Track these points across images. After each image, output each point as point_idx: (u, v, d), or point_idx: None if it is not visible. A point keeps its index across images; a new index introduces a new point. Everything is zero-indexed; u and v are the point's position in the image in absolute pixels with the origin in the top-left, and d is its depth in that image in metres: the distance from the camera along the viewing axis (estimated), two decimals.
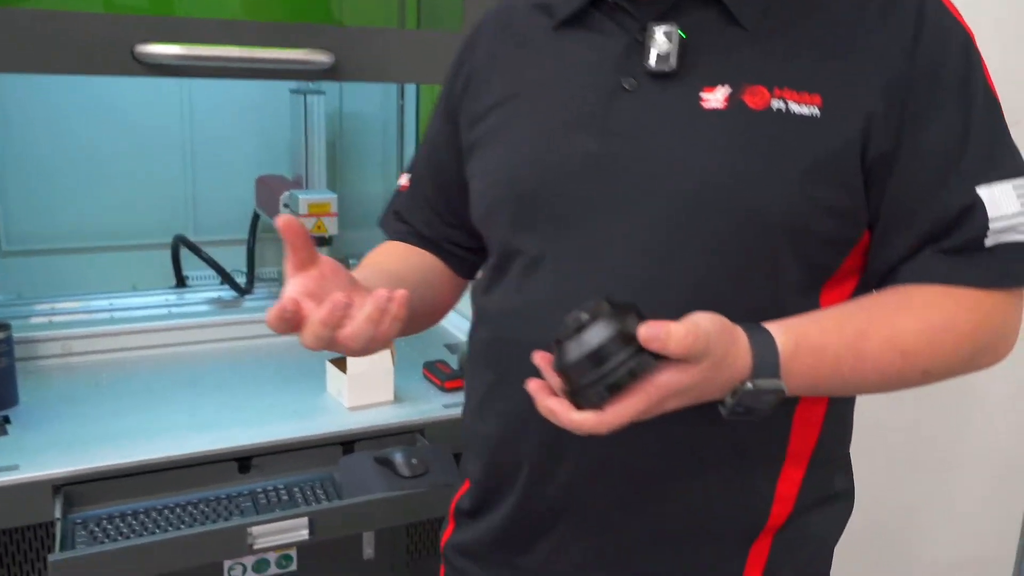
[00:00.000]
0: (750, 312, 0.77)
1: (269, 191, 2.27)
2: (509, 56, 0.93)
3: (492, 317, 0.93)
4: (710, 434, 0.82)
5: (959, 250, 0.79)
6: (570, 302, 0.72)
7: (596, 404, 0.68)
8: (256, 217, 2.36)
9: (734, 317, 0.74)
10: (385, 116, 2.58)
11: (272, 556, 1.49)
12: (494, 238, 0.92)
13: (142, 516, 1.39)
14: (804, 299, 0.82)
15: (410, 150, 2.55)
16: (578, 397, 0.69)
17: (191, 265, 2.30)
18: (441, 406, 1.72)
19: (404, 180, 1.10)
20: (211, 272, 2.26)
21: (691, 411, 0.74)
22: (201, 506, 1.41)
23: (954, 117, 0.79)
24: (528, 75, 0.90)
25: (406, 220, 1.07)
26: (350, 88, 2.50)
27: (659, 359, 0.68)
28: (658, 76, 0.81)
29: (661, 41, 0.80)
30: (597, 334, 0.67)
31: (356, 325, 0.76)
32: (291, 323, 0.77)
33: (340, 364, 1.71)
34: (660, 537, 0.87)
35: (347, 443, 1.61)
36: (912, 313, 0.79)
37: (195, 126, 2.34)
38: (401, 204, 1.09)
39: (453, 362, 1.89)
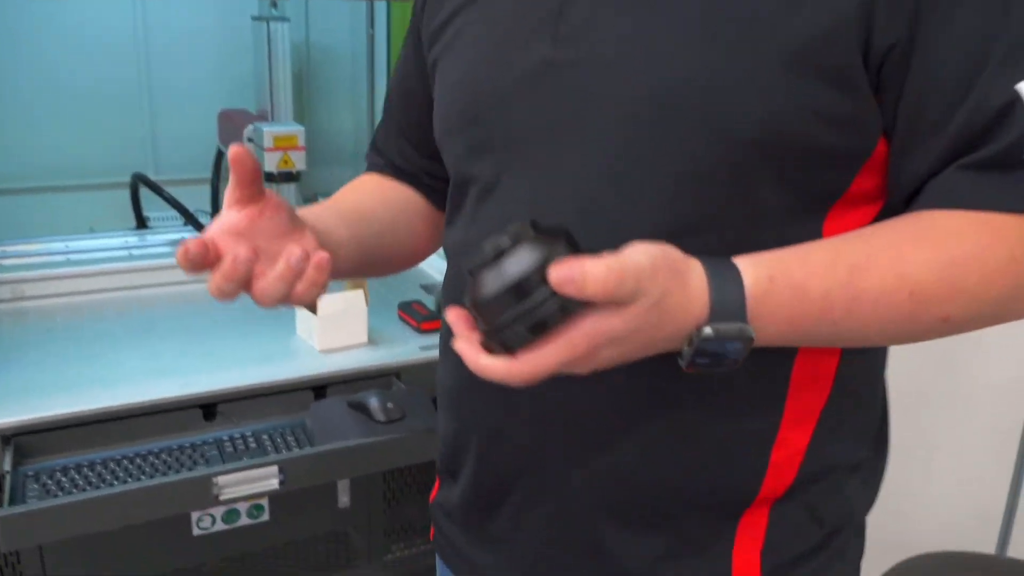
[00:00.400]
0: (730, 247, 0.63)
1: (232, 126, 2.14)
2: None
3: (450, 253, 0.83)
4: (677, 383, 0.67)
5: (993, 164, 0.62)
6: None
7: (514, 348, 0.56)
8: (220, 154, 2.23)
9: (715, 242, 0.64)
10: (354, 46, 2.45)
11: (243, 506, 1.41)
12: (450, 164, 0.81)
13: (99, 467, 1.30)
14: (801, 229, 0.66)
15: (381, 82, 2.42)
16: (494, 338, 0.56)
17: (152, 205, 2.18)
18: (418, 348, 1.63)
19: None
20: (174, 213, 2.14)
21: (654, 357, 0.61)
22: (163, 456, 1.32)
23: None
24: None
25: (382, 152, 0.98)
26: (317, 16, 2.37)
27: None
28: None
29: None
30: (518, 263, 0.54)
31: (267, 282, 0.67)
32: (196, 264, 0.66)
33: (311, 305, 1.61)
34: (628, 506, 0.73)
35: (319, 388, 1.53)
36: (928, 244, 0.62)
37: (152, 58, 2.20)
38: (378, 135, 0.99)
39: (430, 303, 1.80)
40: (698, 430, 0.71)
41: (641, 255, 0.56)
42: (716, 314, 0.59)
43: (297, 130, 1.93)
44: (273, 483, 1.29)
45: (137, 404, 1.38)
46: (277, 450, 1.36)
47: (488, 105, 0.73)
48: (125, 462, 1.30)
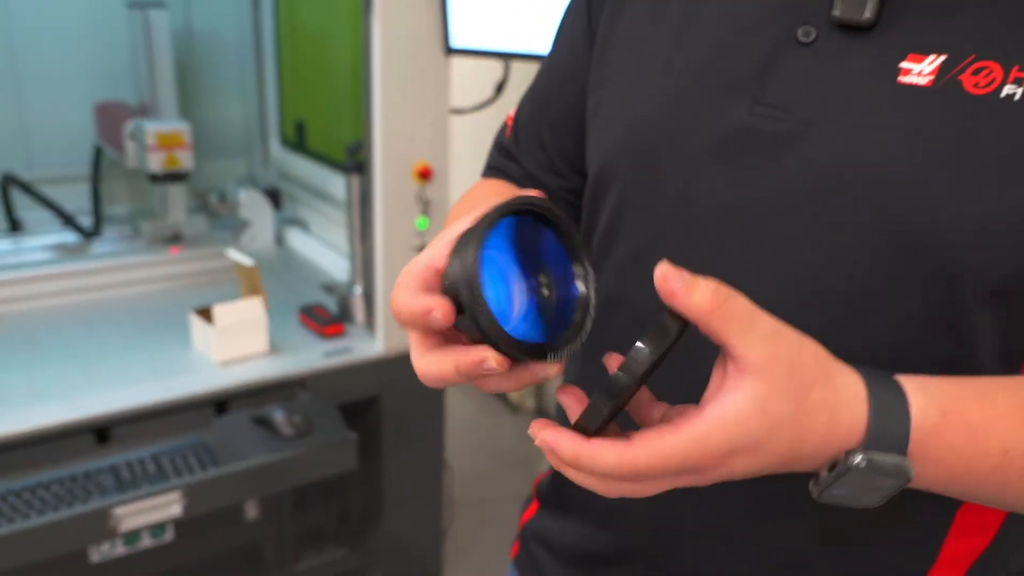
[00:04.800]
0: (907, 369, 0.53)
1: (111, 120, 2.01)
2: None
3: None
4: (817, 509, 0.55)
5: None
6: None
7: (595, 424, 0.48)
8: (99, 150, 2.09)
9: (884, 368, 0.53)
10: (239, 32, 2.33)
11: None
12: (604, 204, 0.70)
13: None
14: (1000, 371, 0.57)
15: (270, 68, 2.32)
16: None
17: (25, 206, 2.03)
18: (322, 354, 1.59)
19: (513, 113, 0.85)
20: (51, 215, 2.00)
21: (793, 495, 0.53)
22: (54, 488, 1.24)
23: None
24: (675, 11, 0.66)
25: (518, 159, 0.83)
26: (197, 1, 2.24)
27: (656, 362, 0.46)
28: (847, 28, 0.58)
29: None
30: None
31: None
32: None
33: (206, 315, 1.54)
34: None
35: (220, 403, 1.46)
36: None
37: (17, 46, 2.03)
38: (515, 138, 0.84)
39: (332, 304, 1.75)
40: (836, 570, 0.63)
41: (768, 314, 0.47)
42: (872, 440, 0.48)
43: (182, 128, 1.83)
44: (176, 509, 1.24)
45: (20, 433, 1.29)
46: (179, 473, 1.29)
47: (668, 161, 0.64)
48: (11, 498, 1.21)
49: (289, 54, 2.30)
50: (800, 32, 0.59)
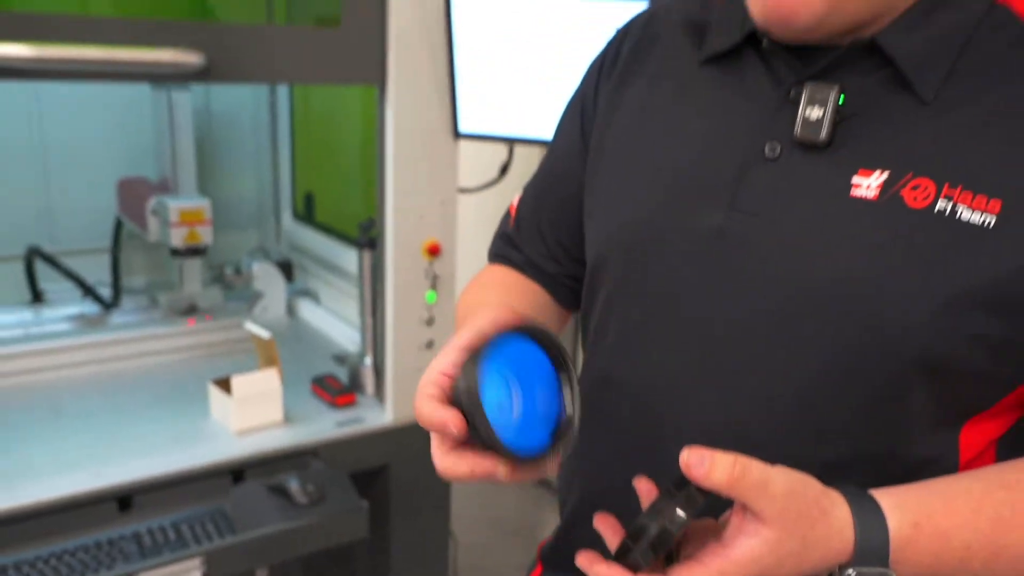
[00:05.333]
0: (866, 444, 0.65)
1: (133, 196, 2.11)
2: (647, 84, 0.79)
3: (591, 375, 0.80)
4: None
5: None
6: (664, 390, 0.62)
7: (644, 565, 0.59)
8: (119, 223, 2.18)
9: (847, 449, 0.64)
10: (256, 113, 2.44)
11: None
12: (597, 297, 0.80)
13: (11, 572, 1.25)
14: (936, 439, 0.67)
15: (284, 146, 2.42)
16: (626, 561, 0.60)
17: (48, 278, 2.11)
18: (334, 424, 1.64)
19: (516, 202, 0.94)
20: (71, 285, 2.08)
21: None
22: (80, 555, 1.29)
23: None
24: (664, 114, 0.77)
25: (520, 246, 0.91)
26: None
27: (692, 516, 0.57)
28: (806, 146, 0.67)
29: (814, 105, 0.66)
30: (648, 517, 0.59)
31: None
32: None
33: (224, 385, 1.60)
34: None
35: (237, 471, 1.52)
36: None
37: (46, 125, 2.14)
38: (518, 227, 0.92)
39: (343, 375, 1.82)
40: None
41: (779, 474, 0.57)
42: (860, 557, 0.58)
43: (203, 204, 1.92)
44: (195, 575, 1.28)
45: (45, 501, 1.34)
46: (198, 540, 1.34)
47: (656, 257, 0.73)
48: (40, 564, 1.26)
49: (302, 132, 2.41)
50: (767, 148, 0.69)
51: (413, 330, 1.65)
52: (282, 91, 2.39)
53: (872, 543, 0.59)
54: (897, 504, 0.60)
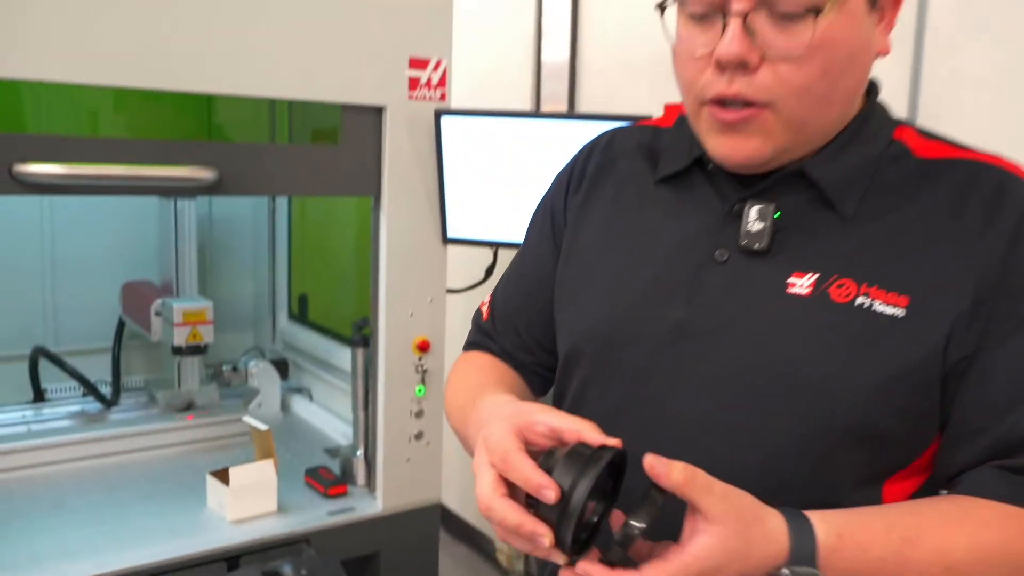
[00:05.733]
0: (809, 500, 0.74)
1: (137, 298, 2.22)
2: (609, 200, 0.92)
3: None
4: None
5: (1023, 471, 0.74)
6: (638, 464, 0.69)
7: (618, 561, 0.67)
8: (122, 324, 2.29)
9: (796, 503, 0.73)
10: (255, 220, 2.59)
11: None
12: (572, 381, 0.92)
13: None
14: (865, 492, 0.78)
15: (282, 253, 2.56)
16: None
17: (49, 377, 2.20)
18: (326, 513, 1.71)
19: (488, 300, 1.06)
20: (71, 384, 2.17)
21: None
22: None
23: None
24: (625, 228, 0.90)
25: (495, 338, 1.03)
26: None
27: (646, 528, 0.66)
28: (750, 252, 0.80)
29: (755, 219, 0.80)
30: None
31: None
32: None
33: (222, 476, 1.68)
34: None
35: (232, 559, 1.58)
36: (966, 528, 0.73)
37: (56, 233, 2.27)
38: (493, 321, 1.04)
39: (335, 467, 1.89)
40: None
41: (717, 480, 0.68)
42: (794, 558, 0.69)
43: (206, 306, 2.03)
44: None
45: None
46: None
47: (625, 348, 0.84)
48: None
49: (299, 238, 2.56)
50: (717, 253, 0.83)
51: (403, 422, 1.75)
52: (281, 199, 2.55)
53: (803, 548, 0.69)
54: (823, 519, 0.71)
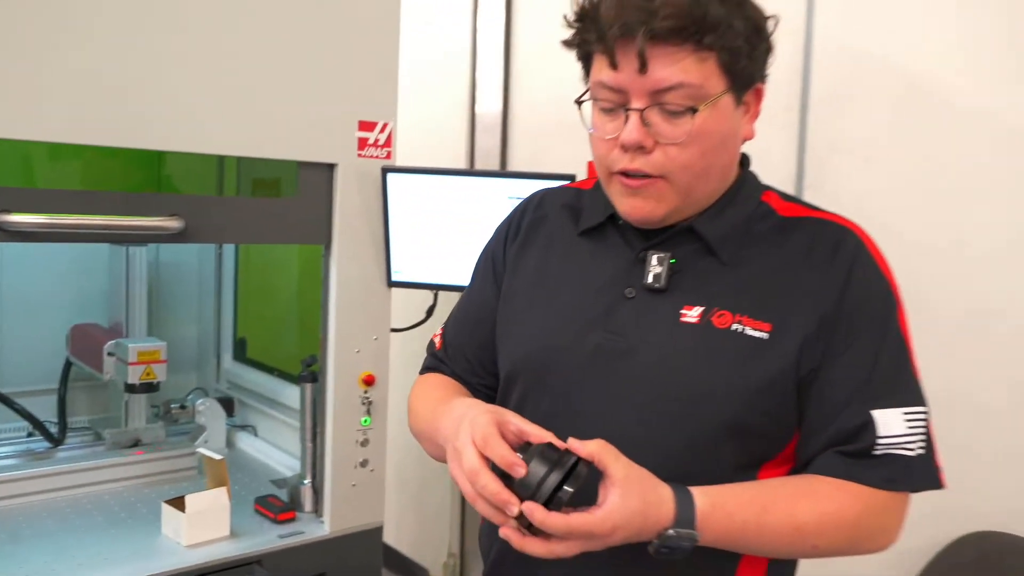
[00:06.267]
0: (700, 481, 0.92)
1: (87, 339, 2.32)
2: (541, 249, 1.14)
3: None
4: (662, 566, 0.94)
5: (854, 454, 0.96)
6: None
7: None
8: (68, 365, 2.37)
9: (687, 485, 0.92)
10: (201, 265, 2.71)
11: None
12: (511, 396, 1.11)
13: None
14: (742, 477, 0.98)
15: (228, 295, 2.68)
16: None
17: None
18: (276, 537, 1.84)
19: (439, 333, 1.26)
20: (16, 424, 2.24)
21: (643, 553, 0.90)
22: None
23: (866, 350, 0.97)
24: (554, 271, 1.10)
25: (446, 362, 1.23)
26: None
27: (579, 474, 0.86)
28: (651, 290, 1.02)
29: (655, 265, 1.02)
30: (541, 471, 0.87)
31: None
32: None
33: (177, 504, 1.79)
34: None
35: None
36: (811, 499, 0.95)
37: (4, 279, 2.34)
38: (446, 349, 1.24)
39: (283, 496, 2.02)
40: None
41: (623, 456, 0.89)
42: (677, 522, 0.89)
43: (160, 345, 2.15)
44: None
45: None
46: None
47: (553, 367, 1.05)
48: None
49: (244, 281, 2.69)
50: (626, 291, 1.05)
51: (350, 451, 1.90)
52: (228, 246, 2.68)
53: (685, 513, 0.90)
54: (701, 492, 0.92)
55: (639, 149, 0.96)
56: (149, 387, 2.15)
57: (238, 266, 2.67)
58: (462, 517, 2.99)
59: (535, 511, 0.85)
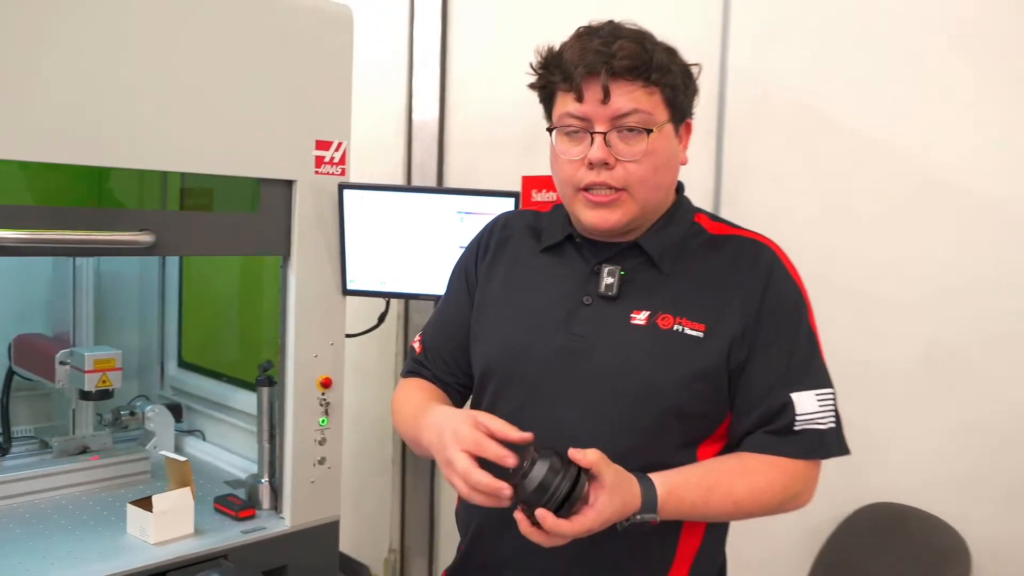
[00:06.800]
0: (647, 458, 1.11)
1: (33, 349, 2.36)
2: (508, 264, 1.31)
3: None
4: (620, 543, 1.15)
5: (779, 432, 1.16)
6: (539, 440, 1.06)
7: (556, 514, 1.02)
8: (11, 375, 2.40)
9: (638, 460, 1.10)
10: (142, 275, 2.75)
11: None
12: (486, 392, 1.28)
13: None
14: (685, 453, 1.18)
15: (172, 303, 2.74)
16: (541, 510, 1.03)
17: None
18: (239, 532, 1.94)
19: (418, 340, 1.41)
20: None
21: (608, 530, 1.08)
22: None
23: (783, 345, 1.18)
24: (520, 283, 1.28)
25: (426, 365, 1.38)
26: None
27: (581, 483, 1.03)
28: (605, 298, 1.20)
29: (608, 276, 1.21)
30: (540, 471, 1.03)
31: None
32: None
33: (144, 504, 1.88)
34: None
35: (159, 574, 1.78)
36: (746, 477, 1.15)
37: None
38: (424, 356, 1.39)
39: (242, 494, 2.12)
40: (629, 566, 1.21)
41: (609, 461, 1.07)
42: (643, 508, 1.09)
43: (116, 353, 2.22)
44: None
45: None
46: None
47: (524, 365, 1.22)
48: None
49: (190, 289, 2.75)
50: (584, 299, 1.22)
51: (309, 449, 2.01)
52: (172, 260, 2.73)
53: (649, 501, 1.10)
54: (659, 479, 1.13)
55: (603, 165, 1.14)
56: (105, 394, 2.22)
57: (182, 276, 2.74)
58: (402, 514, 3.12)
59: (546, 518, 1.02)
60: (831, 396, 1.19)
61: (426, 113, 2.91)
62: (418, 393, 1.33)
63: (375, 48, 2.89)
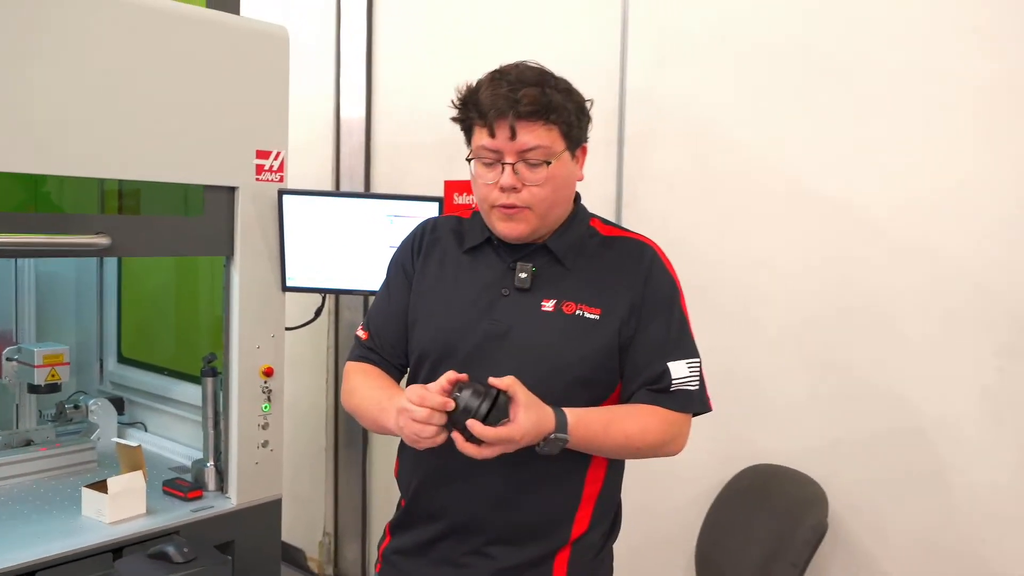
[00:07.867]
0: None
1: None
2: (437, 262, 1.51)
3: None
4: (539, 472, 1.39)
5: (659, 391, 1.41)
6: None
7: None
8: None
9: None
10: (79, 275, 2.87)
11: None
12: (422, 370, 1.48)
13: None
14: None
15: (111, 301, 2.86)
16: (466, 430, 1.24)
17: None
18: (189, 511, 2.11)
19: (362, 329, 1.59)
20: None
21: (529, 454, 1.29)
22: None
23: (662, 324, 1.42)
24: (449, 278, 1.49)
25: (375, 350, 1.56)
26: None
27: (502, 400, 1.24)
28: (520, 290, 1.42)
29: (521, 272, 1.43)
30: (466, 395, 1.25)
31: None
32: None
33: (99, 487, 2.03)
34: (508, 537, 1.43)
35: (117, 550, 1.94)
36: (635, 418, 1.39)
37: None
38: (372, 341, 1.56)
39: (188, 477, 2.29)
40: (547, 500, 1.43)
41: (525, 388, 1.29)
42: (557, 429, 1.29)
43: (64, 349, 2.35)
44: None
45: None
46: None
47: (456, 345, 1.42)
48: None
49: (128, 286, 2.88)
50: (503, 291, 1.45)
51: (253, 433, 2.20)
52: (110, 260, 2.85)
53: (561, 423, 1.30)
54: (570, 411, 1.33)
55: (512, 190, 1.38)
56: (53, 388, 2.34)
57: (121, 274, 2.86)
58: (335, 498, 3.31)
59: (475, 425, 1.25)
60: (698, 364, 1.47)
61: (353, 112, 3.11)
62: (373, 379, 1.54)
63: (305, 52, 3.07)
